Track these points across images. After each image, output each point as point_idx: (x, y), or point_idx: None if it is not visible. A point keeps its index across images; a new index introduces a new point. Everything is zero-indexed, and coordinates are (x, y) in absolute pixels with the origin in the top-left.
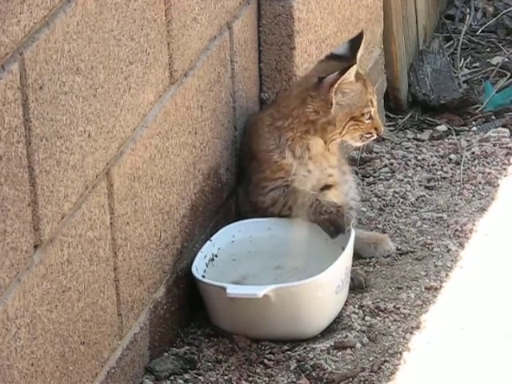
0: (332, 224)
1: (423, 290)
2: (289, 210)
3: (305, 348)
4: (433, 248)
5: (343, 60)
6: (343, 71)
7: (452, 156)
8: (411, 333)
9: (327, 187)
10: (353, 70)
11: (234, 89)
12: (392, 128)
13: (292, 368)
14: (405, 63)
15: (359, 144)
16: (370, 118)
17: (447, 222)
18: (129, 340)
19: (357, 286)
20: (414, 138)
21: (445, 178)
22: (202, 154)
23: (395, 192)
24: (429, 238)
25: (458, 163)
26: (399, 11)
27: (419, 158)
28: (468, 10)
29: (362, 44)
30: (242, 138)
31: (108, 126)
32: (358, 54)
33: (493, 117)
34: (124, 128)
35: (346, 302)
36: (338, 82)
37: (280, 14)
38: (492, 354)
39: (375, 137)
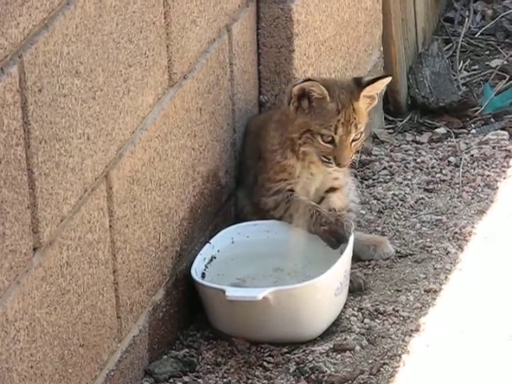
0: (333, 235)
1: (422, 292)
2: (290, 218)
3: (304, 351)
4: (432, 250)
5: (358, 86)
6: (308, 80)
7: (451, 158)
8: (410, 335)
9: (332, 190)
10: (320, 87)
11: (233, 91)
12: (391, 130)
13: (291, 370)
14: (404, 66)
15: (325, 167)
16: (332, 143)
17: (446, 224)
18: (128, 343)
19: (356, 289)
20: (413, 141)
21: (444, 180)
22: (201, 157)
23: (394, 194)
24: (428, 240)
25: (457, 166)
26: (398, 14)
27: (418, 160)
28: (467, 12)
29: (382, 83)
30: (244, 138)
31: (107, 129)
32: (368, 88)
33: (492, 119)
34: (123, 131)
35: (345, 304)
36: (302, 84)
37: (279, 17)
38: (492, 357)
39: (333, 166)
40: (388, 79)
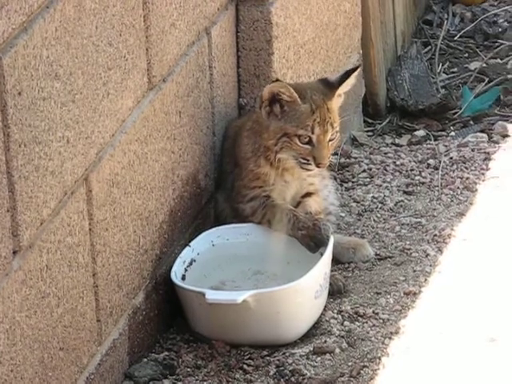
0: (311, 239)
1: (402, 295)
2: (268, 223)
3: (284, 353)
4: (411, 253)
5: (329, 86)
6: (276, 80)
7: (430, 161)
8: (390, 338)
9: (308, 194)
10: (288, 88)
11: (212, 94)
12: (370, 133)
13: (271, 373)
14: (383, 68)
15: (301, 171)
16: (309, 143)
17: (426, 227)
18: (108, 346)
19: (336, 291)
20: (392, 143)
21: (423, 183)
22: (181, 160)
23: (374, 197)
24: (407, 243)
25: (436, 168)
26: (377, 17)
27: (398, 163)
28: (446, 15)
29: (353, 77)
30: (223, 142)
31: (87, 132)
32: (342, 86)
33: (471, 122)
34: (103, 134)
35: (325, 307)
36: (270, 87)
37: (258, 20)
38: (471, 359)
39: (313, 167)
40: (358, 70)
